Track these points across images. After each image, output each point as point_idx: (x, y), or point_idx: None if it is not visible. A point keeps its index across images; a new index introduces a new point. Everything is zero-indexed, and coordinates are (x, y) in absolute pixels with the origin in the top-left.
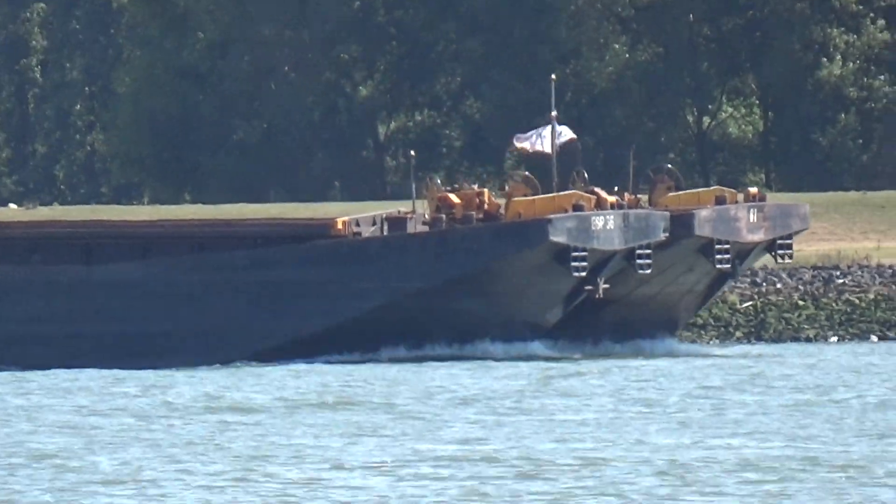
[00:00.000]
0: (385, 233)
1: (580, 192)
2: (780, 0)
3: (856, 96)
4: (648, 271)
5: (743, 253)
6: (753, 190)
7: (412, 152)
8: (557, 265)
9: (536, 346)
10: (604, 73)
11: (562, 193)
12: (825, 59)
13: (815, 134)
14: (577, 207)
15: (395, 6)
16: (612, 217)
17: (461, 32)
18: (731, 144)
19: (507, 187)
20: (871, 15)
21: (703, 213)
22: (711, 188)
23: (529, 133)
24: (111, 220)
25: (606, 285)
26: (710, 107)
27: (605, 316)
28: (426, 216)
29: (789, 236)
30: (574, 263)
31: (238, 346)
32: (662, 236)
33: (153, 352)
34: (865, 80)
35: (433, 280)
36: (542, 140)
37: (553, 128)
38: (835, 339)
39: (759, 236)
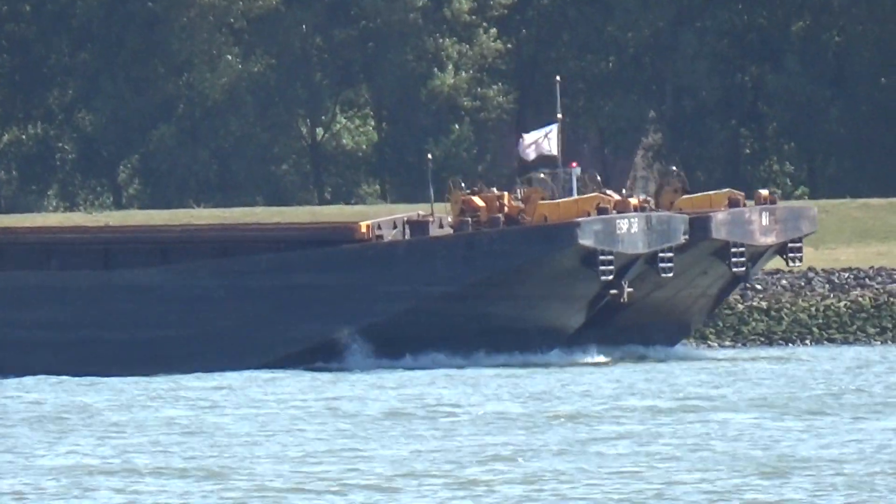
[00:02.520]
0: (406, 236)
1: (602, 195)
2: (392, 10)
3: (470, 106)
4: (671, 274)
5: (755, 256)
6: (765, 192)
7: (430, 156)
8: (584, 269)
9: (553, 354)
10: (217, 85)
11: (584, 196)
12: (438, 70)
13: (428, 144)
14: (600, 210)
15: (6, 19)
16: (636, 220)
17: (74, 45)
18: (345, 156)
19: (521, 191)
20: (484, 24)
21: (720, 216)
22: (723, 191)
23: (532, 135)
24: (130, 224)
25: (631, 289)
26: (323, 118)
27: (619, 321)
28: (449, 219)
29: (799, 239)
30: (602, 267)
31: (260, 351)
32: (683, 239)
33: (173, 356)
34: (479, 89)
35: (460, 283)
36: (550, 142)
37: (558, 130)
38: None
39: (771, 239)
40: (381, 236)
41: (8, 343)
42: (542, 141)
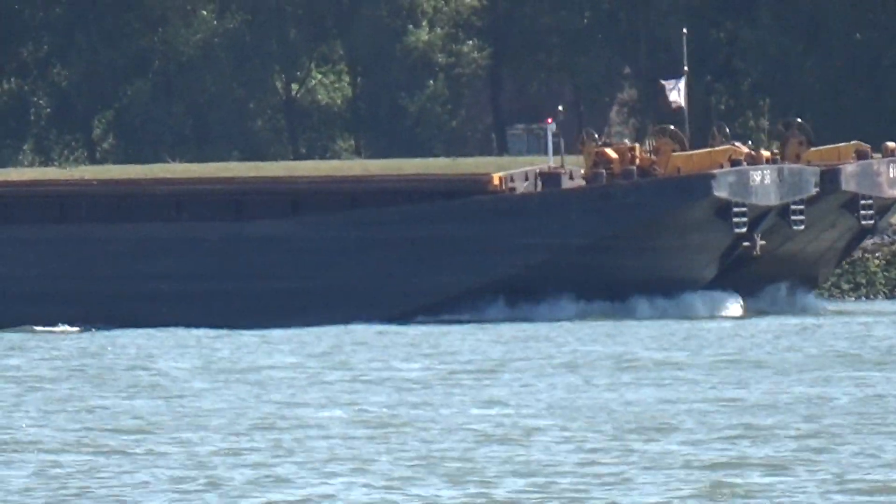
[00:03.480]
0: (538, 188)
1: (734, 147)
2: None
3: (444, 62)
4: (802, 227)
5: (883, 209)
6: (892, 144)
7: (560, 107)
8: (718, 220)
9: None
10: (192, 41)
11: (718, 148)
12: (412, 26)
13: (402, 100)
14: (734, 162)
15: None
16: (768, 172)
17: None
18: (320, 111)
19: (650, 142)
20: None
21: (849, 168)
22: (851, 143)
23: (671, 83)
24: (261, 176)
25: (763, 241)
26: (298, 73)
27: (749, 272)
28: (581, 171)
29: None
30: (735, 219)
31: (392, 303)
32: (814, 191)
33: (303, 308)
34: (454, 46)
35: (594, 235)
36: (679, 92)
37: (685, 82)
38: None
39: None
40: (513, 188)
41: (140, 295)
42: (672, 91)
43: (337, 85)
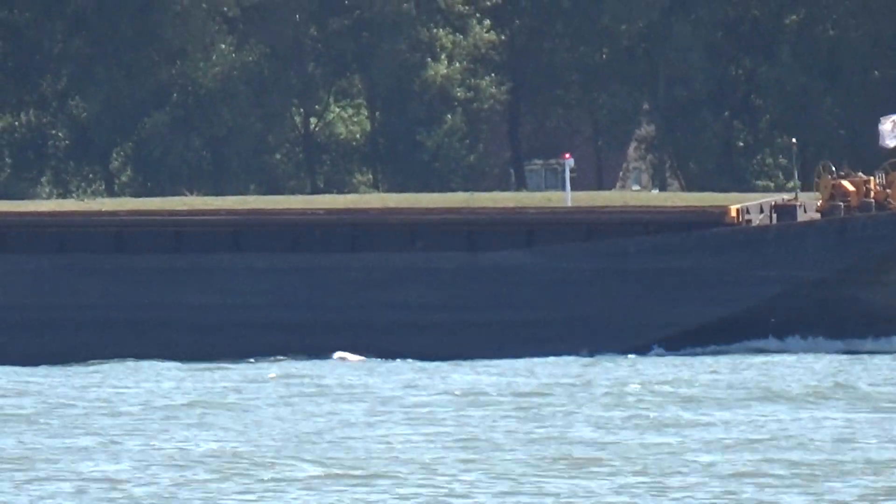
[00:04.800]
0: (774, 221)
1: None
2: (386, 1)
3: (462, 96)
4: None
5: None
6: None
7: (794, 140)
8: None
9: None
10: (210, 74)
11: None
12: (431, 60)
13: (420, 134)
14: None
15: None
16: None
17: (67, 31)
18: (338, 145)
19: (881, 176)
20: (478, 15)
21: None
22: None
23: (888, 122)
24: (493, 207)
25: None
26: (317, 107)
27: None
28: (817, 204)
29: None
30: None
31: (629, 335)
32: None
33: (541, 339)
34: (472, 80)
35: (831, 268)
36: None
37: None
38: None
39: None
40: (749, 220)
41: (375, 325)
42: (889, 134)
43: (356, 118)
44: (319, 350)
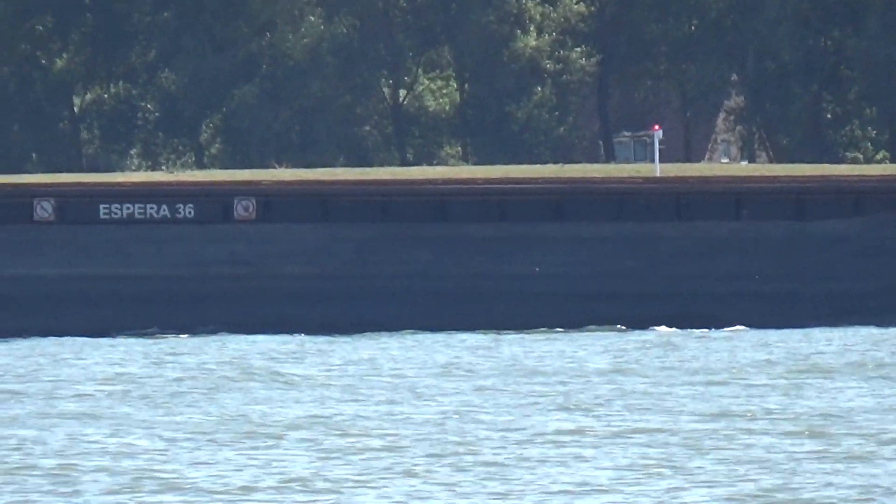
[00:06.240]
0: None
1: None
2: None
3: (552, 68)
4: None
5: None
6: None
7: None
8: None
9: None
10: (299, 46)
11: None
12: (520, 32)
13: (510, 106)
14: None
15: None
16: None
17: (156, 4)
18: (427, 117)
19: None
20: None
21: None
22: None
23: None
24: (820, 174)
25: None
26: (406, 79)
27: None
28: None
29: None
30: None
31: None
32: None
33: (869, 309)
34: (561, 52)
35: None
36: None
37: None
38: None
39: None
40: None
41: (697, 295)
42: None
43: (444, 90)
44: (640, 321)
